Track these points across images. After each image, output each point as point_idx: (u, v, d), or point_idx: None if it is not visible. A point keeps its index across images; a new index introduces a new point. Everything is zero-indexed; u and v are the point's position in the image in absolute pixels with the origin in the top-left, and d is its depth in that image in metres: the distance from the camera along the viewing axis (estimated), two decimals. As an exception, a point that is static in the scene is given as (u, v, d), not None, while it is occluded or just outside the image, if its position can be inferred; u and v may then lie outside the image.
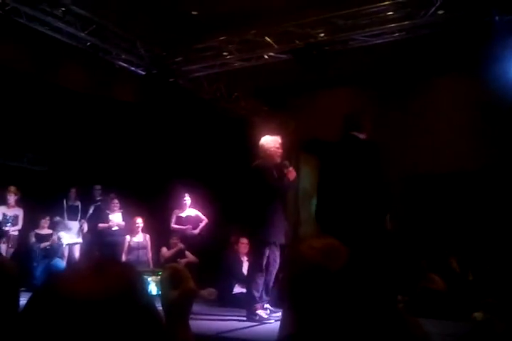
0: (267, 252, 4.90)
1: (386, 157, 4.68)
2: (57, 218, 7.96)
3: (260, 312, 4.83)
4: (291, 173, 5.06)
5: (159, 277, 1.25)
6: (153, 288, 1.04)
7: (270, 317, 4.72)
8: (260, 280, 4.90)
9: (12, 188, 7.27)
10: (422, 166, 8.75)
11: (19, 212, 7.50)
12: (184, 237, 7.86)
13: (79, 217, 8.15)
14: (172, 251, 7.73)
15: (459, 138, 8.47)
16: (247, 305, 4.99)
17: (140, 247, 7.82)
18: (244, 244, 6.93)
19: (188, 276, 1.23)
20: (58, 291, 0.77)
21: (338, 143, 4.54)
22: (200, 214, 8.00)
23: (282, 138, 5.33)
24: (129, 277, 0.83)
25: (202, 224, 7.99)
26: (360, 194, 4.13)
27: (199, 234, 7.94)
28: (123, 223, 8.01)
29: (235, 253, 7.00)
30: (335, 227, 3.95)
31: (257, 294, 4.89)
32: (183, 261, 7.46)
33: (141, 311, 0.80)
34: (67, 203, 8.02)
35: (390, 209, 4.46)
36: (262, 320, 4.73)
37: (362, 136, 4.46)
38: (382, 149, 4.57)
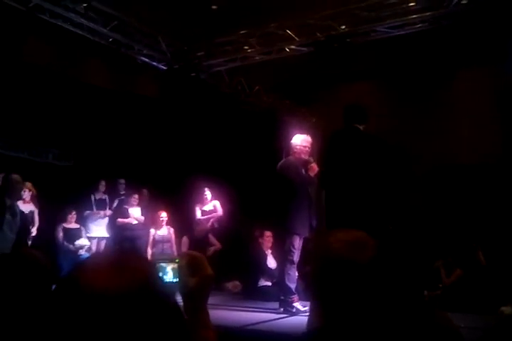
0: (297, 244, 4.95)
1: (405, 149, 4.70)
2: (87, 212, 8.05)
3: (297, 304, 4.87)
4: (313, 169, 5.19)
5: (177, 264, 1.26)
6: (171, 276, 1.07)
7: (307, 310, 4.70)
8: (293, 272, 4.94)
9: (28, 184, 7.25)
10: (443, 158, 8.64)
11: (34, 209, 7.40)
12: (206, 231, 7.91)
13: (106, 211, 8.23)
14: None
15: (481, 130, 8.35)
16: (282, 297, 5.01)
17: (164, 240, 7.93)
18: (268, 237, 6.97)
19: (206, 263, 1.24)
20: (78, 285, 0.79)
21: (340, 133, 4.65)
22: (218, 206, 7.95)
23: (312, 137, 5.53)
24: (147, 270, 0.84)
25: (212, 215, 7.92)
26: (362, 186, 4.16)
27: (211, 226, 7.94)
28: (142, 217, 8.09)
29: (259, 246, 7.02)
30: (342, 220, 3.99)
31: (292, 286, 4.93)
32: (212, 248, 7.53)
33: (159, 304, 0.80)
34: (94, 197, 8.11)
35: (398, 205, 4.50)
36: (299, 313, 4.77)
37: (362, 128, 4.59)
38: (385, 142, 4.63)
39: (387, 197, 4.35)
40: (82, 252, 7.74)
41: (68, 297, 0.78)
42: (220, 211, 7.92)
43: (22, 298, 1.67)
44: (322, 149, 4.78)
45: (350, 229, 1.49)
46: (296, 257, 5.00)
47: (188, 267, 1.21)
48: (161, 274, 1.28)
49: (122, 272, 0.80)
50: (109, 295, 0.76)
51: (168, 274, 1.19)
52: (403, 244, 3.98)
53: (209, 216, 7.89)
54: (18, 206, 6.38)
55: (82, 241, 7.79)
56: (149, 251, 7.79)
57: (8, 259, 1.86)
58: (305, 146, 5.34)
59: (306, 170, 5.21)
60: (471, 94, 8.57)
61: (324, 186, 4.56)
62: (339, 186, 4.27)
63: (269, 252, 6.98)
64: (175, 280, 1.25)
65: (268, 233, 6.98)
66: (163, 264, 1.13)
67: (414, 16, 6.73)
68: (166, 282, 1.21)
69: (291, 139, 5.43)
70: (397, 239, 3.92)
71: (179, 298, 1.24)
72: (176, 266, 1.27)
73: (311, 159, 5.34)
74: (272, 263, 6.87)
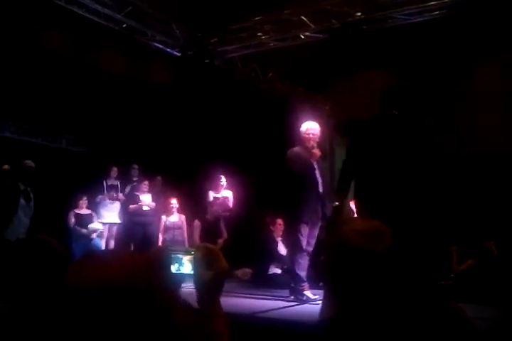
0: (305, 232, 4.95)
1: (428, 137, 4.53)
2: (99, 197, 8.07)
3: (307, 292, 4.87)
4: (315, 154, 5.14)
5: (192, 257, 1.26)
6: (187, 268, 1.07)
7: (318, 298, 4.67)
8: (302, 260, 4.94)
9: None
10: (461, 148, 8.55)
11: None
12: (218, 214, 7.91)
13: (118, 197, 8.26)
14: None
15: (503, 119, 8.24)
16: (292, 285, 5.02)
17: (175, 227, 7.95)
18: (280, 225, 6.98)
19: (221, 256, 1.24)
20: (67, 281, 0.78)
21: (376, 120, 4.34)
22: (230, 196, 7.95)
23: (321, 125, 5.42)
24: (137, 269, 0.83)
25: (224, 202, 7.94)
26: (400, 175, 4.02)
27: (223, 212, 7.95)
28: (153, 204, 8.12)
29: (270, 233, 7.03)
30: (375, 208, 3.87)
31: (302, 274, 4.93)
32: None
33: (146, 302, 0.80)
34: (106, 183, 8.13)
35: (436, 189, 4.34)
36: (309, 301, 4.76)
37: (400, 114, 4.27)
38: (426, 127, 4.42)
39: (426, 187, 4.21)
40: (94, 236, 7.78)
41: (56, 291, 0.79)
42: (230, 202, 7.91)
43: (36, 283, 1.68)
44: (353, 136, 4.57)
45: (373, 217, 1.48)
46: (304, 244, 4.98)
47: (204, 260, 1.21)
48: (177, 265, 1.28)
49: (111, 270, 0.80)
50: (93, 290, 0.75)
51: (185, 266, 1.19)
52: (420, 234, 3.92)
53: (222, 201, 7.90)
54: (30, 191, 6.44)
55: (96, 225, 7.82)
56: (160, 238, 7.83)
57: (24, 245, 1.87)
58: (313, 134, 5.24)
59: (310, 157, 5.14)
60: (492, 82, 8.44)
61: (355, 174, 4.32)
62: (375, 176, 4.09)
63: (279, 239, 7.00)
64: (191, 272, 1.25)
65: (280, 220, 6.98)
66: (179, 255, 1.13)
67: (432, 3, 6.63)
68: (173, 275, 1.21)
69: (301, 128, 5.37)
70: (415, 228, 3.87)
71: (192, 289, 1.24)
72: (191, 257, 1.27)
73: (314, 145, 5.21)
74: (282, 250, 6.88)
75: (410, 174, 4.01)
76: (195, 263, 1.23)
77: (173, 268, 1.27)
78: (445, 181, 7.84)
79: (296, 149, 5.23)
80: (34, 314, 1.52)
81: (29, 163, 6.35)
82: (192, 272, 1.25)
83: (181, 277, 1.26)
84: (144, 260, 0.87)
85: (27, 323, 1.50)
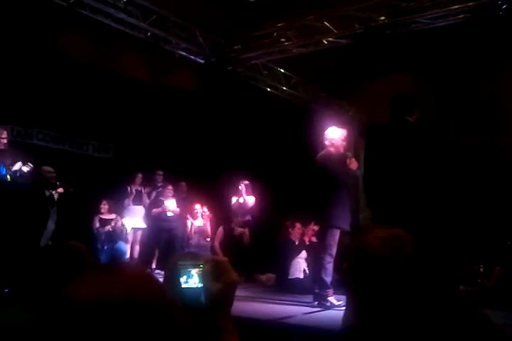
0: (337, 237, 4.95)
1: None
2: (126, 201, 8.14)
3: (332, 298, 4.84)
4: (353, 163, 5.15)
5: (201, 269, 1.26)
6: (196, 280, 1.08)
7: (341, 304, 4.62)
8: (329, 266, 4.91)
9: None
10: (484, 154, 8.40)
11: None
12: (242, 223, 8.00)
13: (143, 202, 8.35)
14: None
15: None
16: (317, 290, 4.99)
17: (200, 232, 8.03)
18: (298, 229, 6.98)
19: (230, 268, 1.24)
20: (65, 296, 0.77)
21: (387, 126, 4.36)
22: (251, 201, 8.01)
23: (347, 131, 5.44)
24: (141, 284, 0.80)
25: (247, 209, 8.02)
26: (414, 182, 3.99)
27: (247, 219, 8.02)
28: (178, 209, 8.18)
29: (289, 237, 7.03)
30: (389, 217, 3.85)
31: (328, 279, 4.90)
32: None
33: (153, 317, 0.76)
34: (131, 188, 8.22)
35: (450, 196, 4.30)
36: (333, 307, 4.73)
37: (412, 120, 4.29)
38: (435, 134, 4.38)
39: (440, 195, 4.17)
40: (120, 232, 7.83)
41: (55, 306, 0.77)
42: (250, 206, 7.98)
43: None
44: (367, 143, 4.58)
45: (390, 225, 1.48)
46: (334, 250, 4.96)
47: (213, 272, 1.21)
48: (185, 278, 1.28)
49: (112, 283, 0.77)
50: (92, 305, 0.73)
51: (194, 278, 1.19)
52: (441, 241, 3.87)
53: (240, 206, 7.99)
54: (54, 195, 6.54)
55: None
56: (186, 242, 7.95)
57: (54, 253, 1.89)
58: (343, 140, 5.27)
59: (346, 164, 5.14)
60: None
61: (371, 181, 4.33)
62: (389, 184, 4.08)
63: (297, 241, 7.01)
64: (200, 285, 1.25)
65: (298, 224, 7.00)
66: (188, 268, 1.13)
67: (456, 7, 6.56)
68: (179, 290, 1.21)
69: (325, 132, 5.36)
70: (436, 235, 3.82)
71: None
72: (200, 270, 1.27)
73: (349, 154, 5.29)
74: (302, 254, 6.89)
75: (422, 179, 3.98)
76: (204, 276, 1.23)
77: (182, 281, 1.26)
78: (467, 186, 7.73)
79: (332, 153, 5.21)
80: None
81: (48, 168, 6.43)
82: (201, 285, 1.25)
83: (193, 292, 1.25)
84: (149, 275, 0.85)
85: (57, 332, 1.52)
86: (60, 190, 6.65)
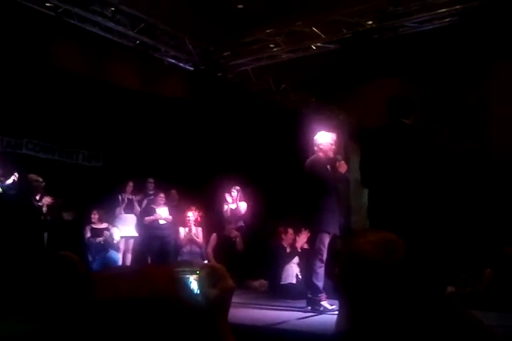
0: (326, 242, 4.96)
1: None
2: (117, 210, 8.11)
3: (324, 302, 4.84)
4: (343, 166, 5.19)
5: (198, 276, 1.26)
6: (193, 287, 1.08)
7: (335, 309, 4.61)
8: (320, 270, 4.92)
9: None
10: (471, 156, 8.45)
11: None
12: (234, 229, 8.01)
13: (134, 210, 8.31)
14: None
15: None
16: (309, 295, 4.99)
17: (192, 239, 8.00)
18: (291, 235, 6.98)
19: (227, 275, 1.24)
20: (94, 289, 0.79)
21: (384, 129, 4.34)
22: (243, 207, 8.03)
23: (337, 135, 5.48)
24: (166, 283, 0.83)
25: (239, 216, 8.05)
26: (412, 184, 3.99)
27: (239, 225, 8.04)
28: (170, 217, 8.16)
29: (281, 243, 7.03)
30: (387, 220, 3.85)
31: (319, 284, 4.90)
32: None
33: (178, 316, 0.80)
34: (122, 197, 8.19)
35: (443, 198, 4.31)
36: (326, 311, 4.73)
37: (408, 122, 4.29)
38: (431, 137, 4.39)
39: (437, 197, 4.18)
40: (111, 242, 7.79)
41: (82, 301, 0.79)
42: (242, 212, 7.99)
43: (58, 302, 1.69)
44: (364, 146, 4.57)
45: (385, 228, 1.48)
46: (324, 255, 4.97)
47: (209, 278, 1.22)
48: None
49: (141, 283, 0.80)
50: (121, 303, 0.76)
51: (192, 285, 1.19)
52: (434, 243, 3.88)
53: (233, 212, 8.00)
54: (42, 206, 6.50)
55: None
56: (179, 250, 7.91)
57: (46, 263, 1.88)
58: (332, 144, 5.29)
59: (335, 168, 5.18)
60: (505, 89, 8.35)
61: (368, 185, 4.33)
62: (386, 185, 4.07)
63: (288, 247, 7.00)
64: (198, 291, 1.25)
65: (290, 230, 7.00)
66: (186, 275, 1.13)
67: (443, 10, 6.62)
68: (194, 293, 1.22)
69: (314, 138, 5.39)
70: (429, 238, 3.82)
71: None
72: (197, 277, 1.27)
73: (339, 157, 5.31)
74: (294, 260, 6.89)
75: (420, 183, 3.98)
76: (200, 282, 1.23)
77: None
78: (458, 189, 7.76)
79: (320, 157, 5.24)
80: (59, 333, 1.53)
81: (34, 177, 6.38)
82: (198, 292, 1.24)
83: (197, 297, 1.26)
84: (168, 274, 0.88)
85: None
86: (47, 200, 6.60)
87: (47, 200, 6.58)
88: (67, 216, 7.58)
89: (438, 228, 4.22)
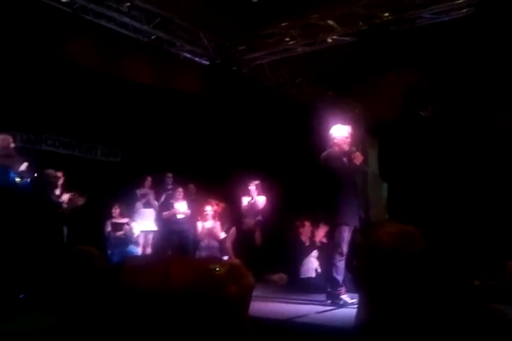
0: (346, 235, 4.94)
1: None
2: (137, 204, 8.17)
3: (344, 296, 4.83)
4: (358, 158, 5.16)
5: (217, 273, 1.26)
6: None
7: (355, 302, 4.54)
8: (340, 264, 4.90)
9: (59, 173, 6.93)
10: (488, 147, 8.35)
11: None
12: (253, 223, 8.01)
13: (153, 205, 8.37)
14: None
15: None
16: (329, 289, 4.98)
17: (210, 234, 8.02)
18: (308, 228, 6.97)
19: (246, 272, 1.24)
20: (123, 280, 0.80)
21: (400, 121, 4.30)
22: (261, 201, 8.02)
23: (352, 127, 5.43)
24: (205, 273, 0.84)
25: (258, 209, 8.04)
26: (430, 176, 3.96)
27: (258, 219, 8.03)
28: (188, 211, 8.20)
29: (299, 237, 7.03)
30: (406, 213, 3.83)
31: (339, 278, 4.89)
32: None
33: (208, 307, 0.81)
34: (141, 191, 8.25)
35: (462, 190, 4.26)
36: (346, 305, 4.71)
37: (425, 114, 4.23)
38: (452, 129, 4.34)
39: (455, 189, 4.14)
40: (131, 236, 7.87)
41: (111, 291, 0.80)
42: (260, 206, 7.98)
43: (77, 296, 1.72)
44: (381, 139, 4.53)
45: (405, 221, 1.48)
46: (345, 249, 4.95)
47: (228, 276, 1.22)
48: None
49: (169, 275, 0.81)
50: (150, 294, 0.77)
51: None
52: (455, 237, 3.85)
53: (251, 206, 8.00)
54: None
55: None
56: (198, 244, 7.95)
57: (66, 257, 1.91)
58: (346, 137, 5.24)
59: (351, 160, 5.16)
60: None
61: (386, 178, 4.30)
62: (404, 177, 4.03)
63: (307, 242, 7.00)
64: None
65: (307, 223, 6.99)
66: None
67: (460, 1, 6.54)
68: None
69: (329, 132, 5.36)
70: (448, 230, 3.79)
71: None
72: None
73: (354, 149, 5.28)
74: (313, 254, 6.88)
75: (438, 175, 3.95)
76: (220, 280, 1.23)
77: None
78: (477, 181, 7.68)
79: (334, 151, 5.21)
80: (81, 326, 1.55)
81: (52, 172, 6.42)
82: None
83: None
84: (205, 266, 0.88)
85: (75, 335, 1.54)
86: (66, 196, 6.65)
87: (71, 196, 6.63)
88: (80, 200, 7.54)
89: (457, 220, 4.18)
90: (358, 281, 1.44)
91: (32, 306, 1.84)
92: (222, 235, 8.06)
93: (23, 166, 6.29)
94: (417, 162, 3.99)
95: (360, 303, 1.48)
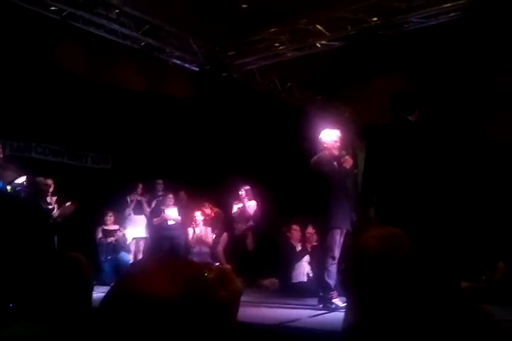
0: (338, 239, 4.95)
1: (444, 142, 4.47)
2: (127, 211, 8.15)
3: (336, 300, 4.84)
4: (348, 162, 5.20)
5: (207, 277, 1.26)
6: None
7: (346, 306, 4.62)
8: (332, 268, 4.91)
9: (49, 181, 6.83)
10: (477, 152, 8.39)
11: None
12: (244, 229, 8.01)
13: (144, 212, 8.35)
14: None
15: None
16: (321, 293, 4.98)
17: (201, 240, 8.02)
18: (296, 231, 6.99)
19: (235, 277, 1.24)
20: (130, 292, 0.80)
21: (388, 126, 4.32)
22: (252, 206, 8.02)
23: (341, 131, 5.45)
24: (197, 277, 0.85)
25: (249, 215, 8.03)
26: (417, 180, 3.98)
27: (250, 224, 8.03)
28: (179, 217, 8.18)
29: (289, 241, 7.03)
30: (392, 215, 3.85)
31: (331, 282, 4.90)
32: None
33: (207, 310, 0.81)
34: (131, 198, 8.23)
35: (449, 195, 4.29)
36: (338, 309, 4.72)
37: (413, 119, 4.25)
38: (440, 133, 4.37)
39: (443, 193, 4.16)
40: (123, 243, 7.85)
41: (120, 304, 0.80)
42: (251, 211, 7.97)
43: (67, 303, 1.71)
44: (368, 144, 4.56)
45: (392, 224, 1.49)
46: (337, 253, 4.96)
47: (217, 281, 1.22)
48: None
49: (173, 279, 0.82)
50: (160, 300, 0.77)
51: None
52: (438, 238, 3.86)
53: (241, 212, 8.00)
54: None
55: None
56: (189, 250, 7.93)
57: (53, 264, 1.90)
58: (335, 141, 5.29)
59: (341, 164, 5.20)
60: (510, 85, 8.29)
61: (373, 182, 4.31)
62: (391, 183, 4.04)
63: (298, 245, 7.00)
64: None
65: (295, 226, 7.01)
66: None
67: (447, 5, 6.60)
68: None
69: (319, 136, 5.39)
70: (434, 233, 3.81)
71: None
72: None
73: (344, 152, 5.31)
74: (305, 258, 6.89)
75: (425, 178, 3.97)
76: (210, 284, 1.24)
77: None
78: (465, 183, 7.72)
79: (324, 155, 5.25)
80: (73, 334, 1.55)
81: (42, 180, 6.40)
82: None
83: None
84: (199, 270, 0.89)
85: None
86: (56, 204, 6.62)
87: (62, 204, 6.59)
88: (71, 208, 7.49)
89: (444, 224, 4.20)
90: (346, 284, 1.45)
91: (22, 314, 1.83)
92: (213, 237, 8.08)
93: (21, 179, 6.27)
94: (404, 166, 4.02)
95: (347, 306, 1.49)
